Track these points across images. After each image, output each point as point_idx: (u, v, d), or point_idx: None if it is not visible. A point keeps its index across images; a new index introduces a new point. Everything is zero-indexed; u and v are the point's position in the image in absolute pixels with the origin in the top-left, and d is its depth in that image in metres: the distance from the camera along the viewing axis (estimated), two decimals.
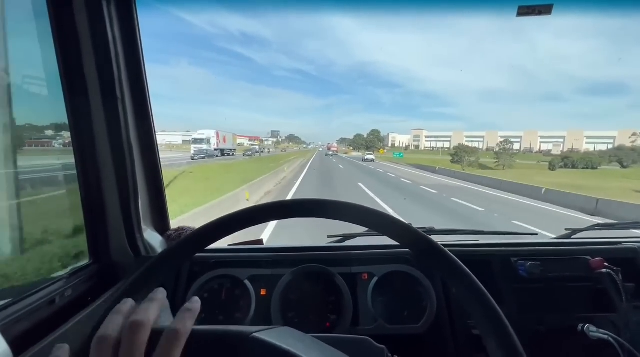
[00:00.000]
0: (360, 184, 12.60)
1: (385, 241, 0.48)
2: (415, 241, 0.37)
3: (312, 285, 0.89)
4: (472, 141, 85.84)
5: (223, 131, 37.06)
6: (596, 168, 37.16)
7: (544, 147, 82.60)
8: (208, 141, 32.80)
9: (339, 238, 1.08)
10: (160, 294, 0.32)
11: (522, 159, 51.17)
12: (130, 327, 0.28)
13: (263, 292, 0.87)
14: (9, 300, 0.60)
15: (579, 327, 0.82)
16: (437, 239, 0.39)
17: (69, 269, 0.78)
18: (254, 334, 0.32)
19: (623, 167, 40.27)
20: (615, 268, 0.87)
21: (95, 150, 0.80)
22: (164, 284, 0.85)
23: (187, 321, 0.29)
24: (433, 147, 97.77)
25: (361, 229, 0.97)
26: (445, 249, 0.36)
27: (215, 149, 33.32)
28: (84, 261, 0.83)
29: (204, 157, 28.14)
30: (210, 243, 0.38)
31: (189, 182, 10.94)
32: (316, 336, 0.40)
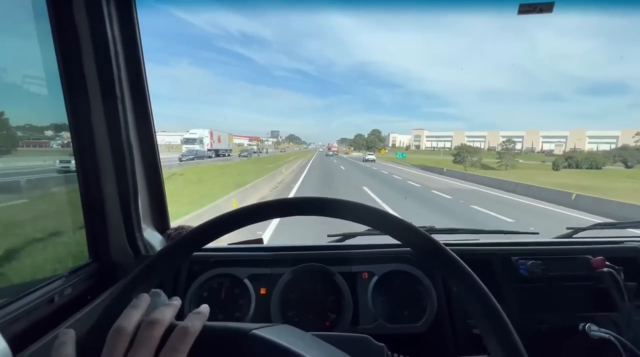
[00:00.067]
0: (365, 188, 11.48)
1: (386, 240, 0.48)
2: (417, 240, 0.37)
3: (312, 284, 0.89)
4: (473, 141, 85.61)
5: (218, 130, 34.74)
6: (600, 168, 36.89)
7: (546, 147, 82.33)
8: (201, 141, 30.67)
9: (339, 237, 1.08)
10: (177, 301, 0.35)
11: (525, 159, 51.00)
12: (148, 323, 0.30)
13: (263, 291, 0.87)
14: (8, 298, 0.60)
15: (580, 327, 0.82)
16: (438, 238, 0.38)
17: (68, 267, 0.78)
18: (253, 330, 0.32)
19: (627, 167, 40.02)
20: (616, 267, 0.87)
21: (95, 150, 0.80)
22: (163, 283, 0.86)
23: (197, 322, 0.31)
24: (434, 147, 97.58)
25: (361, 228, 0.97)
26: (447, 248, 0.36)
27: (208, 150, 31.28)
28: (84, 260, 0.83)
29: (192, 158, 25.96)
30: (210, 241, 0.38)
31: (176, 186, 10.05)
32: (316, 334, 0.40)
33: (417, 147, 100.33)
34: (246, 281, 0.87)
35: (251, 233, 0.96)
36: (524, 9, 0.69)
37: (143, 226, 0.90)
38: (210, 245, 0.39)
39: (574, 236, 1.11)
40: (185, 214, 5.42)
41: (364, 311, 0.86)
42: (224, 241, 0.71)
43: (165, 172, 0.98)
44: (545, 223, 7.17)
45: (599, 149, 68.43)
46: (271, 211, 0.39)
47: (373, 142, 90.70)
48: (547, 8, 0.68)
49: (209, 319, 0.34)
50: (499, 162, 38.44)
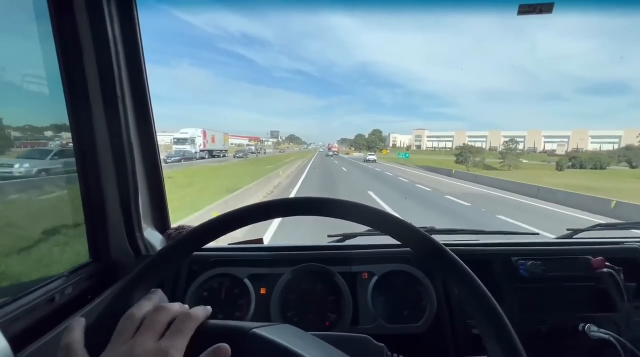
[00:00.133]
0: (370, 193, 10.41)
1: (385, 240, 0.48)
2: (417, 240, 0.37)
3: (312, 284, 0.89)
4: (474, 141, 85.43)
5: (212, 129, 32.05)
6: (605, 168, 36.54)
7: (548, 146, 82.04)
8: (192, 141, 28.12)
9: (339, 237, 1.08)
10: (187, 306, 0.37)
11: (527, 159, 50.72)
12: (156, 309, 0.33)
13: (263, 291, 0.87)
14: (8, 297, 0.60)
15: (580, 327, 0.82)
16: (438, 238, 0.38)
17: (69, 267, 0.78)
18: (254, 329, 0.32)
19: (632, 167, 39.67)
20: (616, 268, 0.87)
21: (95, 150, 0.81)
22: (163, 282, 0.86)
23: (200, 312, 0.34)
24: (435, 147, 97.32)
25: (361, 228, 0.97)
26: (447, 248, 0.36)
27: (201, 150, 29.03)
28: (84, 259, 0.84)
29: (179, 160, 23.38)
30: (210, 241, 0.38)
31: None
32: (316, 333, 0.40)
33: (418, 147, 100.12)
34: (246, 280, 0.87)
35: (252, 232, 0.96)
36: (524, 10, 0.69)
37: (143, 225, 0.90)
38: (210, 245, 0.39)
39: (574, 237, 1.11)
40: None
41: (364, 311, 0.86)
42: (223, 241, 0.71)
43: None
44: None
45: (601, 149, 68.14)
46: (272, 211, 0.39)
47: (374, 142, 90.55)
48: (546, 8, 0.68)
49: (209, 319, 0.35)
50: (501, 162, 38.24)
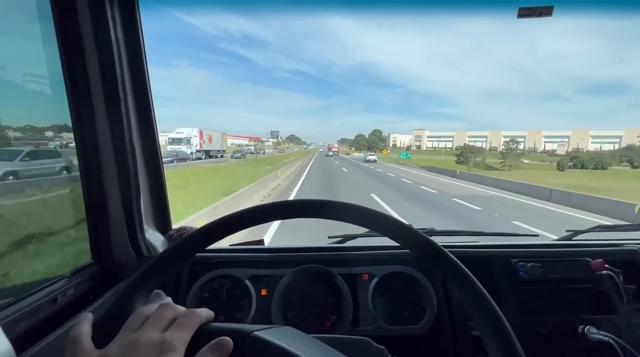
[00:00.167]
0: (374, 196, 9.81)
1: (386, 241, 0.48)
2: (416, 242, 0.37)
3: (313, 285, 0.89)
4: (475, 141, 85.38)
5: (209, 129, 31.17)
6: (606, 168, 36.44)
7: (549, 146, 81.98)
8: (188, 141, 27.16)
9: (340, 239, 1.08)
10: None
11: (527, 159, 50.61)
12: (162, 306, 0.35)
13: (264, 292, 0.88)
14: (11, 298, 0.61)
15: (580, 329, 0.82)
16: (437, 240, 0.39)
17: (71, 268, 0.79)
18: (255, 332, 0.33)
19: (634, 167, 39.59)
20: (616, 270, 0.87)
21: (98, 151, 0.81)
22: (165, 284, 0.87)
23: (204, 313, 0.35)
24: (435, 147, 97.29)
25: (362, 230, 0.97)
26: (446, 250, 0.36)
27: (198, 151, 28.15)
28: (86, 260, 0.84)
29: (172, 161, 22.17)
30: (212, 243, 0.39)
31: None
32: (317, 336, 0.40)
33: (418, 147, 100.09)
34: (247, 282, 0.88)
35: (252, 233, 0.96)
36: (524, 13, 0.69)
37: (145, 226, 0.90)
38: (212, 245, 0.40)
39: (573, 238, 1.11)
40: None
41: (364, 313, 0.86)
42: (224, 242, 0.71)
43: None
44: None
45: (602, 149, 68.03)
46: (273, 213, 0.39)
47: (374, 142, 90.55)
48: (546, 12, 0.68)
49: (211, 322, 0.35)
50: (502, 162, 38.19)
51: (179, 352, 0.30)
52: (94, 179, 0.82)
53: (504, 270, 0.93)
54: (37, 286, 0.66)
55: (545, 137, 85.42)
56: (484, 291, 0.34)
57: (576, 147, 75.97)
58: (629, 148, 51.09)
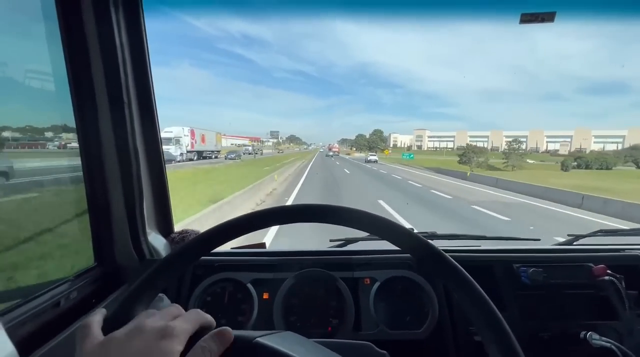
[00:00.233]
0: (381, 203, 8.51)
1: (388, 245, 0.48)
2: (416, 246, 0.37)
3: (314, 289, 0.89)
4: (476, 141, 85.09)
5: (201, 128, 28.50)
6: (611, 168, 36.11)
7: (551, 146, 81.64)
8: (177, 141, 24.36)
9: (341, 242, 1.08)
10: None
11: (530, 159, 50.31)
12: (186, 318, 0.35)
13: (265, 295, 0.88)
14: (15, 302, 0.61)
15: (582, 335, 0.81)
16: (439, 244, 0.38)
17: (74, 271, 0.79)
18: (257, 338, 0.33)
19: (639, 167, 39.32)
20: (618, 275, 0.86)
21: (101, 154, 0.82)
22: (167, 287, 0.87)
23: (207, 316, 0.36)
24: (436, 148, 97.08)
25: (363, 234, 0.97)
26: (447, 254, 0.36)
27: (189, 151, 25.81)
28: (89, 263, 0.85)
29: None
30: (215, 247, 0.39)
31: None
32: (318, 341, 0.40)
33: (419, 147, 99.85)
34: (249, 285, 0.88)
35: (252, 234, 0.96)
36: (526, 19, 0.69)
37: (147, 229, 0.91)
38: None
39: (574, 243, 1.11)
40: None
41: (366, 317, 0.86)
42: (227, 245, 0.72)
43: None
44: None
45: (605, 149, 67.65)
46: (274, 218, 0.40)
47: (375, 142, 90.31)
48: (548, 18, 0.68)
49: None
50: (505, 162, 37.95)
51: (180, 339, 0.31)
52: (97, 181, 0.83)
53: (505, 275, 0.93)
54: (40, 289, 0.67)
55: (548, 137, 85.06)
56: (485, 295, 0.34)
57: (579, 147, 75.62)
58: (634, 148, 50.62)
